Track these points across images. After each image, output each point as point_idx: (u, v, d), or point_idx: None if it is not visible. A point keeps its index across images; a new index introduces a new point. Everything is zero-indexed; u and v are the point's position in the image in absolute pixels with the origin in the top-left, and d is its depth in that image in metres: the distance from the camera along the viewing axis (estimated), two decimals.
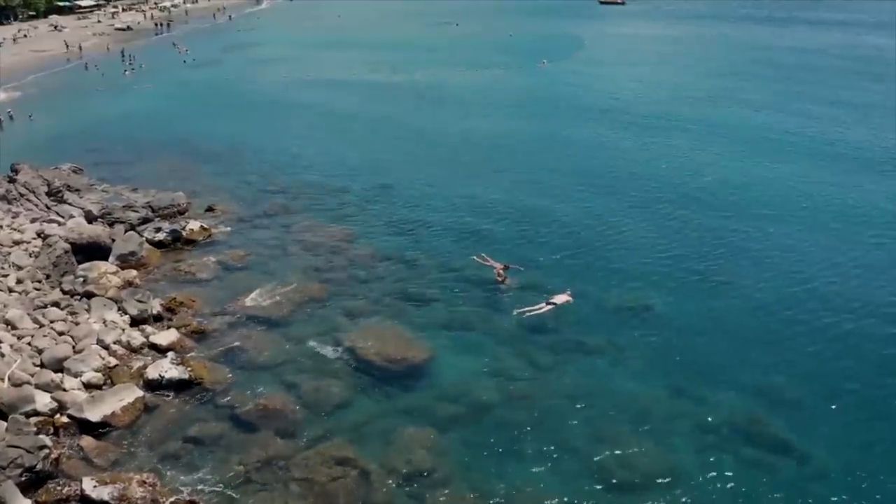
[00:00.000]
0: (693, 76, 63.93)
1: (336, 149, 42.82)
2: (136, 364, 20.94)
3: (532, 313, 22.92)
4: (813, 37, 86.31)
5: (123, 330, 22.32)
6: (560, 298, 23.33)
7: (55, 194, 30.71)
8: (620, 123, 47.51)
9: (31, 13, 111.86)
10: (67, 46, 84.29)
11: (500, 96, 57.27)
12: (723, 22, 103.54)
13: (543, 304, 23.16)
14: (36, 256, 25.62)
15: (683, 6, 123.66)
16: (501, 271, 24.93)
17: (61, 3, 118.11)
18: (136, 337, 21.93)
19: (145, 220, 29.70)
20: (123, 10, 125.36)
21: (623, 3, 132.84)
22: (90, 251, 26.60)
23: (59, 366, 20.39)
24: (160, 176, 37.57)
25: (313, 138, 45.67)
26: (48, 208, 29.56)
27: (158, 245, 28.42)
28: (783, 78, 61.94)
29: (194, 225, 29.63)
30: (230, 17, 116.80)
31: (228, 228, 30.66)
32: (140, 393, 19.41)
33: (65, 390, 19.56)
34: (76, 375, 20.13)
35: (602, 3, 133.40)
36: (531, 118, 49.87)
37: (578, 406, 19.44)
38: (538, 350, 21.70)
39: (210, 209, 32.53)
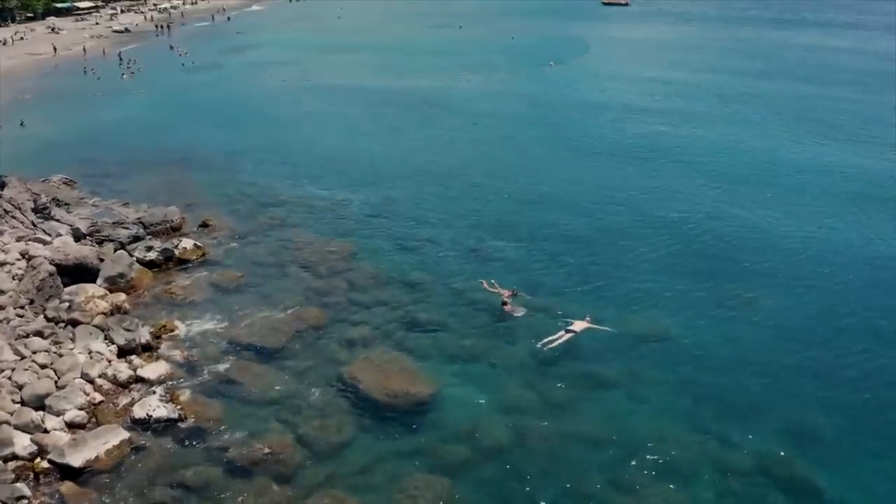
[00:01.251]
0: (706, 82, 62.25)
1: (337, 158, 41.44)
2: (123, 400, 19.63)
3: (554, 344, 21.58)
4: (823, 40, 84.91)
5: (110, 362, 21.00)
6: (579, 325, 22.02)
7: (42, 211, 29.33)
8: (634, 133, 45.94)
9: (28, 15, 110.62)
10: (56, 50, 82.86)
11: (506, 103, 55.75)
12: (730, 24, 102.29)
13: (563, 332, 21.87)
14: (20, 279, 24.27)
15: (688, 7, 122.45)
16: (508, 299, 23.49)
17: (59, 5, 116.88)
18: (123, 370, 20.59)
19: (136, 238, 28.31)
20: (122, 11, 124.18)
21: (627, 4, 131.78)
22: (77, 273, 25.24)
23: (40, 403, 19.08)
24: (154, 188, 36.23)
25: (313, 147, 44.31)
26: (34, 226, 28.19)
27: (149, 265, 27.06)
28: (798, 84, 60.48)
29: (187, 243, 28.25)
30: (228, 18, 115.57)
31: (224, 246, 29.30)
32: (125, 435, 18.07)
33: (46, 431, 18.25)
34: (58, 414, 18.81)
35: (605, 4, 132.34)
36: (540, 126, 48.42)
37: (595, 447, 18.17)
38: (551, 384, 20.35)
39: (205, 224, 31.18)
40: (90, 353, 21.19)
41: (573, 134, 46.18)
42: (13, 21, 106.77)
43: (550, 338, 21.79)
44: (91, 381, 20.16)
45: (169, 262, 27.46)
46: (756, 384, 20.57)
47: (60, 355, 20.93)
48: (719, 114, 51.26)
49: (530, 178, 37.57)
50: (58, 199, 32.43)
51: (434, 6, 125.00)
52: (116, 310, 23.88)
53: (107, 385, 20.19)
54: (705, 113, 51.45)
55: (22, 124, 50.92)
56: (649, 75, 65.13)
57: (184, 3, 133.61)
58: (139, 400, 19.41)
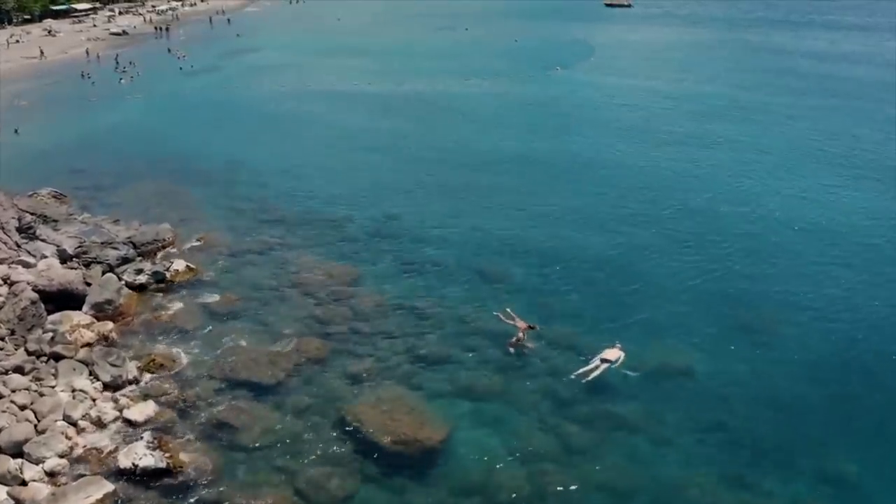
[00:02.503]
0: (720, 87, 60.45)
1: (338, 171, 39.75)
2: (107, 446, 18.13)
3: (590, 376, 20.18)
4: (835, 42, 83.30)
5: (94, 401, 19.53)
6: (612, 354, 20.69)
7: (27, 230, 27.82)
8: (650, 143, 43.94)
9: (26, 17, 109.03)
10: (42, 54, 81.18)
11: (513, 110, 53.94)
12: (736, 26, 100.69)
13: (598, 362, 20.49)
14: (0, 307, 22.73)
15: (690, 9, 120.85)
16: (523, 333, 21.90)
17: (57, 7, 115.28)
18: (108, 411, 19.10)
19: (125, 260, 26.81)
20: (120, 13, 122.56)
21: (629, 6, 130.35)
22: (62, 299, 23.78)
23: (18, 449, 17.67)
24: (147, 202, 34.71)
25: (313, 158, 42.70)
26: (18, 247, 26.64)
27: (139, 289, 25.55)
28: (816, 90, 58.66)
29: (180, 265, 26.75)
30: (228, 20, 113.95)
31: (218, 266, 27.73)
32: (109, 487, 16.56)
33: (24, 483, 16.79)
34: (38, 462, 17.38)
35: (608, 5, 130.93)
36: (549, 136, 46.44)
37: (618, 498, 16.84)
38: (570, 426, 18.84)
39: (199, 242, 29.67)
40: (73, 391, 19.72)
41: (585, 145, 44.25)
42: (10, 23, 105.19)
43: (585, 369, 20.42)
44: (73, 424, 18.71)
45: (160, 285, 25.96)
46: (786, 425, 19.25)
47: (41, 394, 19.48)
48: (737, 125, 48.94)
49: (542, 192, 35.86)
50: (45, 216, 30.95)
51: (434, 7, 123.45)
52: (103, 339, 22.43)
53: (90, 428, 18.75)
54: (722, 123, 49.15)
55: (17, 132, 49.42)
56: (659, 82, 63.40)
57: (182, 5, 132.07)
58: (125, 446, 17.90)
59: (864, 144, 43.29)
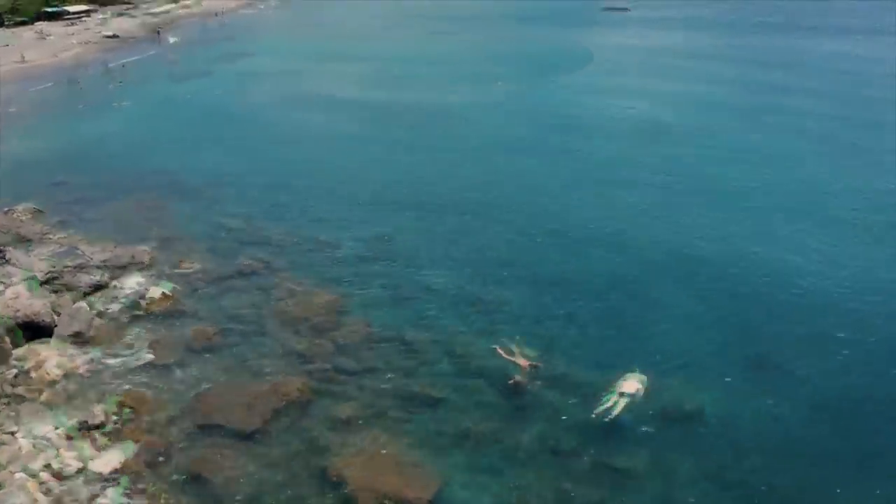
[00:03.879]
0: (723, 96, 58.91)
1: (328, 187, 38.03)
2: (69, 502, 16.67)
3: (613, 414, 18.93)
4: (840, 47, 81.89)
5: (57, 451, 18.13)
6: (631, 386, 19.38)
7: None
8: (654, 159, 42.12)
9: (18, 19, 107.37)
10: (23, 58, 79.44)
11: (512, 120, 52.28)
12: (735, 31, 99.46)
13: (618, 397, 19.21)
14: None
15: (689, 12, 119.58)
16: (524, 372, 20.50)
17: (50, 10, 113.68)
18: (72, 462, 17.70)
19: (98, 287, 25.38)
20: (114, 16, 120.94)
21: (627, 10, 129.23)
22: (29, 330, 22.36)
23: None
24: (127, 220, 33.20)
25: (303, 171, 41.05)
26: None
27: (112, 318, 24.11)
28: (822, 99, 57.06)
29: (156, 292, 25.33)
30: (223, 23, 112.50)
31: (198, 293, 26.29)
32: None
33: None
34: None
35: (605, 9, 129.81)
36: (550, 148, 44.77)
37: None
38: (572, 480, 17.50)
39: (178, 266, 28.21)
40: (35, 439, 18.29)
41: (588, 160, 42.50)
42: (2, 26, 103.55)
43: (605, 406, 19.14)
44: (34, 476, 17.27)
45: (134, 314, 24.50)
46: (803, 474, 18.00)
47: (1, 443, 18.02)
48: (746, 136, 47.16)
49: (541, 210, 34.25)
50: (19, 235, 29.58)
51: (431, 9, 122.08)
52: (70, 377, 20.98)
53: (52, 481, 17.28)
54: (731, 135, 47.48)
55: (8, 140, 47.94)
56: (663, 88, 61.68)
57: (177, 4, 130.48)
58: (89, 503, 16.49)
59: (882, 171, 41.02)
